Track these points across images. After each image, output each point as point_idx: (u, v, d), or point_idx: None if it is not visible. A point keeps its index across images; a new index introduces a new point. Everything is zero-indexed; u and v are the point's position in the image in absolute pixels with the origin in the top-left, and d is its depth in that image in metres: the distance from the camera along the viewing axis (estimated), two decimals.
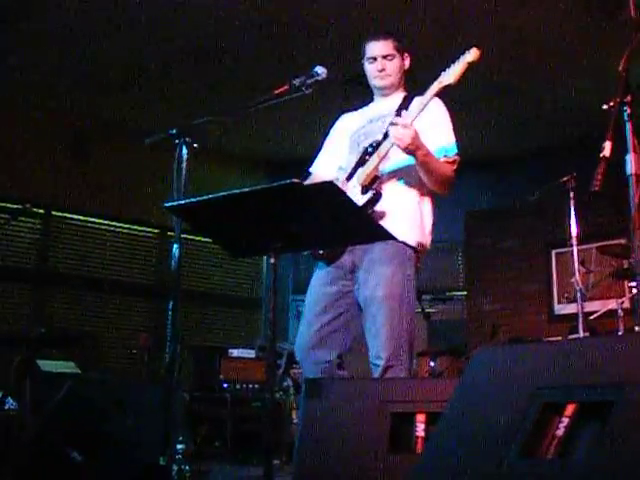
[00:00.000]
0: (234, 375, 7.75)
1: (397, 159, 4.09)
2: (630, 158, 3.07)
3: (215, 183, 7.85)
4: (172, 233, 4.00)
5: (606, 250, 7.60)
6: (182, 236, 3.95)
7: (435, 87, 3.94)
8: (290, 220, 3.20)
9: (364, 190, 4.03)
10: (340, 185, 3.84)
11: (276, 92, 4.14)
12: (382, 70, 4.30)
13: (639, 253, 3.10)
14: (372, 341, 3.99)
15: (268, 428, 3.39)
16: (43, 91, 8.36)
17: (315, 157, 4.57)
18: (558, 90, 8.26)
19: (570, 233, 6.84)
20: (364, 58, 4.36)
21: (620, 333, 6.78)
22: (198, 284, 9.93)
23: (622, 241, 8.66)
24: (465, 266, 10.41)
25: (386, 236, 3.37)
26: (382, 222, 3.77)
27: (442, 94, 4.03)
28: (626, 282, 7.59)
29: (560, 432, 2.19)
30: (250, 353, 8.01)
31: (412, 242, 4.07)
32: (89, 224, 9.32)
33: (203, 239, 8.25)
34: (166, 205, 3.35)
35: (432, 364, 7.97)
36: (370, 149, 4.09)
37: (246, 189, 3.08)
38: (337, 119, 4.62)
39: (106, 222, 9.44)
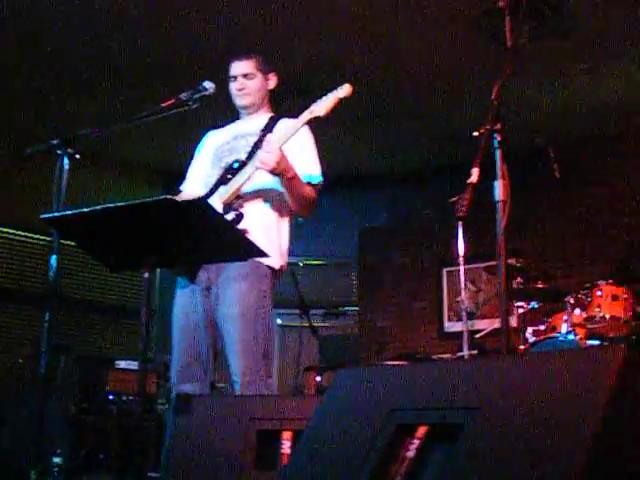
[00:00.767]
0: (120, 387, 7.65)
1: (260, 180, 4.13)
2: (498, 185, 3.15)
3: (112, 194, 7.78)
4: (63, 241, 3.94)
5: (494, 270, 7.73)
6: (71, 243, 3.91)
7: (306, 116, 4.00)
8: (164, 235, 3.21)
9: (225, 208, 4.05)
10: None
11: (163, 105, 4.14)
12: (241, 89, 4.36)
13: (503, 277, 3.17)
14: (230, 358, 4.04)
15: (143, 442, 3.38)
16: None
17: (185, 174, 4.60)
18: (452, 110, 8.37)
19: (457, 252, 6.95)
20: (229, 77, 4.41)
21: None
22: (86, 293, 9.77)
23: (512, 261, 8.86)
24: (358, 282, 10.49)
25: (258, 254, 3.40)
26: None
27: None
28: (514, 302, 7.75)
29: (411, 454, 2.22)
30: (137, 365, 7.92)
31: (268, 260, 4.08)
32: None
33: None
34: (41, 217, 3.31)
35: (318, 379, 8.01)
36: (233, 168, 4.12)
37: (121, 203, 3.07)
38: (204, 136, 4.65)
39: None
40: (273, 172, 3.94)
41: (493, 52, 5.95)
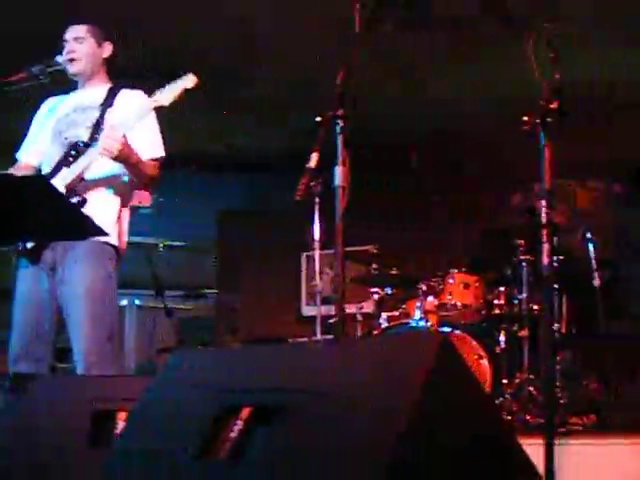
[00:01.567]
0: None
1: (103, 165, 4.07)
2: (338, 170, 3.18)
3: None
4: None
5: (351, 256, 7.81)
6: None
7: (150, 105, 3.96)
8: (2, 212, 3.14)
9: (68, 192, 3.94)
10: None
11: (13, 79, 4.05)
12: (70, 52, 4.23)
13: (340, 263, 3.20)
14: (73, 339, 3.98)
15: None
16: None
17: (22, 142, 4.47)
18: (313, 95, 8.37)
19: (314, 237, 7.00)
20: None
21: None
22: None
23: (367, 247, 8.98)
24: (217, 264, 10.47)
25: (98, 232, 3.37)
26: None
27: None
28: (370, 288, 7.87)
29: (234, 434, 2.24)
30: None
31: (112, 241, 4.05)
32: None
33: None
34: None
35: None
36: (76, 150, 4.03)
37: None
38: (42, 103, 4.51)
39: None
40: (115, 159, 3.89)
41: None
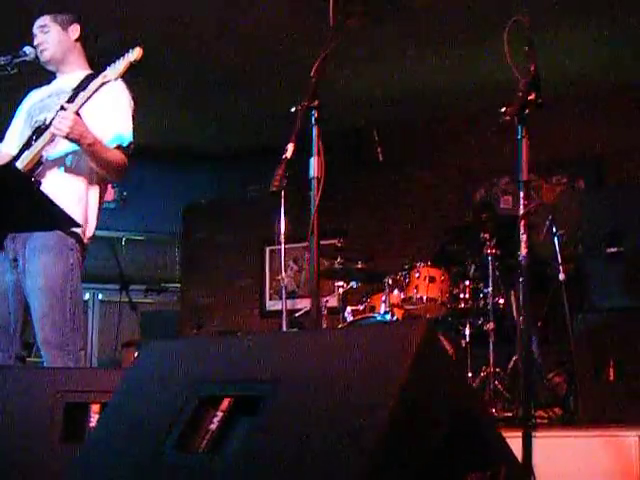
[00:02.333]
0: None
1: (64, 146, 4.02)
2: (313, 161, 3.17)
3: None
4: None
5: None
6: None
7: (99, 81, 3.92)
8: None
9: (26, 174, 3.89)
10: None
11: None
12: (39, 44, 4.23)
13: (315, 255, 3.19)
14: (37, 331, 3.93)
15: None
16: None
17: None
18: (283, 87, 8.33)
19: (279, 231, 6.97)
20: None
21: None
22: None
23: (334, 241, 8.97)
24: (181, 258, 10.42)
25: (70, 223, 3.32)
26: None
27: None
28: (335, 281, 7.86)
29: (214, 426, 2.22)
30: None
31: (75, 232, 3.97)
32: None
33: None
34: None
35: (136, 354, 7.92)
36: (38, 132, 3.99)
37: None
38: (27, 94, 4.48)
39: None
40: (68, 138, 3.82)
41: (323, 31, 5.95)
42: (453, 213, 8.59)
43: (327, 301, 7.30)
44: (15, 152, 4.13)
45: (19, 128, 4.29)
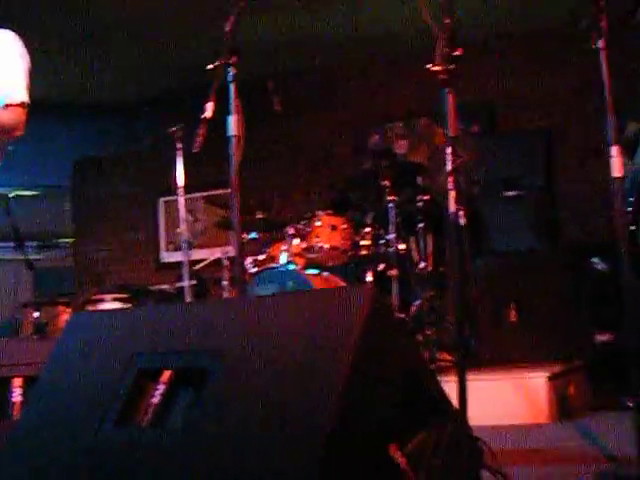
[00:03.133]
0: None
1: None
2: (232, 120, 3.10)
3: None
4: None
5: (212, 200, 7.74)
6: None
7: None
8: None
9: None
10: None
11: None
12: None
13: (237, 212, 3.13)
14: None
15: None
16: None
17: None
18: (173, 41, 8.16)
19: (177, 183, 6.86)
20: None
21: (221, 298, 6.93)
22: None
23: (227, 191, 8.90)
24: (73, 213, 10.17)
25: None
26: None
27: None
28: (231, 232, 7.80)
29: (156, 399, 2.17)
30: None
31: None
32: None
33: None
34: None
35: (36, 315, 7.72)
36: None
37: None
38: None
39: None
40: None
41: None
42: (349, 159, 8.59)
43: (228, 252, 7.23)
44: None
45: None
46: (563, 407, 4.93)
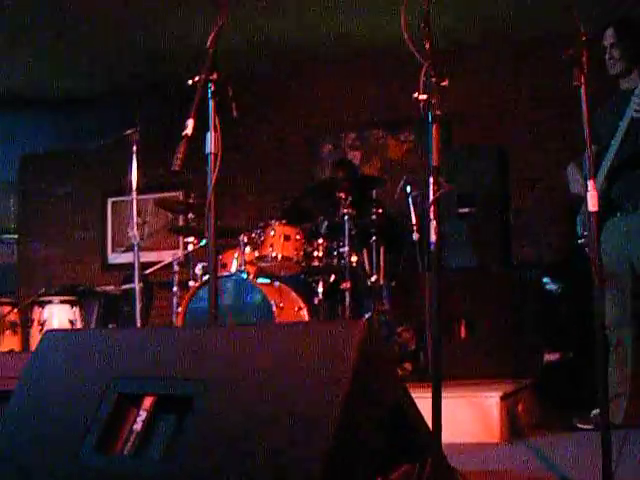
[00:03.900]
0: None
1: None
2: (210, 137, 3.08)
3: None
4: None
5: (162, 203, 7.67)
6: None
7: None
8: None
9: None
10: None
11: None
12: None
13: (212, 234, 3.11)
14: None
15: None
16: None
17: None
18: (124, 33, 8.04)
19: (130, 185, 6.78)
20: None
21: (203, 327, 6.84)
22: None
23: (178, 194, 8.85)
24: (18, 209, 10.00)
25: None
26: None
27: None
28: (181, 237, 7.75)
29: (138, 426, 2.13)
30: None
31: None
32: None
33: None
34: None
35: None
36: None
37: None
38: None
39: None
40: None
41: None
42: (301, 168, 8.59)
43: (179, 257, 7.17)
44: None
45: None
46: (513, 426, 4.97)
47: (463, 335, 5.97)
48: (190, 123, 2.95)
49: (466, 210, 6.59)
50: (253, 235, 6.33)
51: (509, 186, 7.10)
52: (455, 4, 7.15)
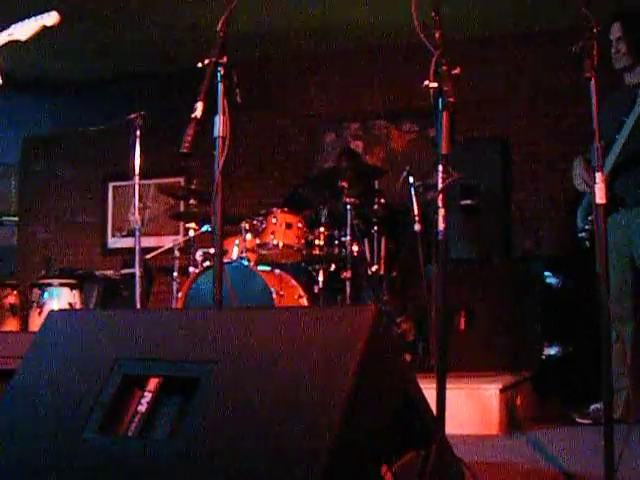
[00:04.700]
0: None
1: None
2: (219, 120, 3.06)
3: None
4: None
5: (163, 188, 7.66)
6: None
7: (4, 39, 3.67)
8: None
9: None
10: None
11: None
12: None
13: (218, 218, 3.10)
14: None
15: None
16: None
17: None
18: (128, 17, 8.01)
19: (133, 169, 6.76)
20: None
21: (210, 309, 6.83)
22: None
23: (179, 180, 8.83)
24: (19, 191, 9.98)
25: None
26: None
27: None
28: (182, 223, 7.74)
29: (143, 408, 2.12)
30: None
31: None
32: None
33: None
34: None
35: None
36: None
37: None
38: None
39: None
40: None
41: None
42: (303, 156, 8.57)
43: (180, 243, 7.15)
44: None
45: None
46: (511, 418, 4.97)
47: (463, 327, 5.97)
48: (199, 106, 2.94)
49: (468, 202, 6.59)
50: (255, 222, 6.32)
51: (511, 178, 7.11)
52: None
